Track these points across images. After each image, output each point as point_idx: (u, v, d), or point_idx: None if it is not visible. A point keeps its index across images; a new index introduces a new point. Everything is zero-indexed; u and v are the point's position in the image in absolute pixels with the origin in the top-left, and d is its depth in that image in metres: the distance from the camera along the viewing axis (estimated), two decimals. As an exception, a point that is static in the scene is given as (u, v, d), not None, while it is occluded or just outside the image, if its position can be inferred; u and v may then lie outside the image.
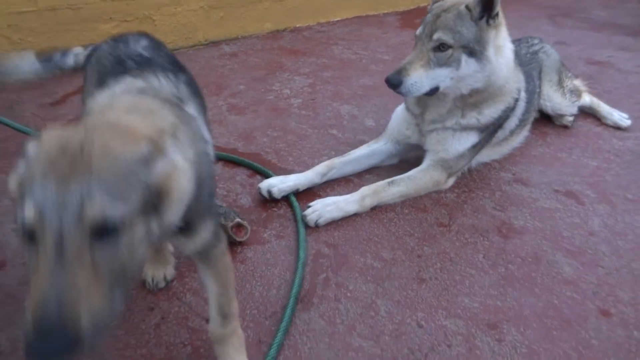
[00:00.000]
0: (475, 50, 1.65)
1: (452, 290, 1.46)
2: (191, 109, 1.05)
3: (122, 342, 1.26)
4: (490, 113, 1.82)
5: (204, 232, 0.96)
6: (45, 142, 0.69)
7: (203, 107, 1.20)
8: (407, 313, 1.37)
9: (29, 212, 0.64)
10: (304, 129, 2.40)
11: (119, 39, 1.28)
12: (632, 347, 1.28)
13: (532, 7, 5.31)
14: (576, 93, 2.44)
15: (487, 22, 1.65)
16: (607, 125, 2.48)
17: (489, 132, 1.88)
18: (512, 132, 2.05)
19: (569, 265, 1.56)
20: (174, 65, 1.20)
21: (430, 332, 1.32)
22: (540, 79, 2.30)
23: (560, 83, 2.37)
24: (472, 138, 1.83)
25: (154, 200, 0.72)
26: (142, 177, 0.69)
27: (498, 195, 1.92)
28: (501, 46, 1.73)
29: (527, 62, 2.18)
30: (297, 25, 4.12)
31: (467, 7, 1.65)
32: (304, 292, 1.43)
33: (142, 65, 1.10)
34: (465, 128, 1.83)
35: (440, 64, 1.67)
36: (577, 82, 2.54)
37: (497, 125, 1.89)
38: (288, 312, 1.32)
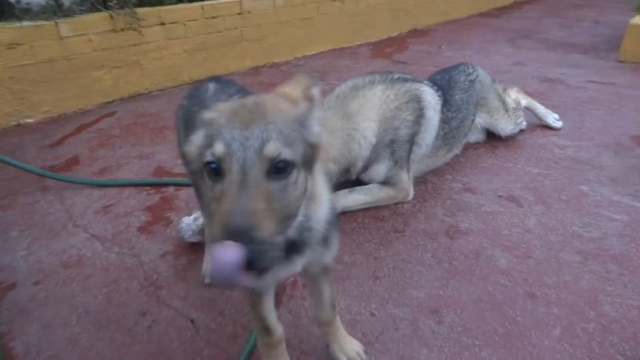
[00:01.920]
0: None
1: (402, 284, 1.70)
2: None
3: (118, 342, 1.49)
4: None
5: (334, 244, 1.14)
6: (224, 106, 0.89)
7: None
8: (362, 305, 1.61)
9: (219, 147, 0.80)
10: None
11: (194, 93, 1.52)
12: (551, 321, 1.52)
13: (494, 31, 5.71)
14: (518, 108, 2.75)
15: None
16: (543, 126, 2.90)
17: (397, 151, 2.09)
18: (436, 149, 2.30)
19: (505, 259, 1.81)
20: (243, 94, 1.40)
21: (381, 319, 1.55)
22: (479, 105, 2.58)
23: (504, 107, 2.65)
24: (386, 163, 2.09)
25: (309, 156, 0.88)
26: (302, 132, 0.87)
27: (449, 203, 2.18)
28: None
29: (465, 89, 2.47)
30: (275, 61, 4.46)
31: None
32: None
33: None
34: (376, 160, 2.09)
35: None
36: (513, 93, 2.84)
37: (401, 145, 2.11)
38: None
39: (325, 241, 1.07)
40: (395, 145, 2.05)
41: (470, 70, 2.64)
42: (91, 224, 2.08)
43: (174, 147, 2.77)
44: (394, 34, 5.57)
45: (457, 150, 2.52)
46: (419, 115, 2.11)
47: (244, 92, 1.44)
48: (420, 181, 2.34)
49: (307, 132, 0.89)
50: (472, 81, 2.56)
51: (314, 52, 4.78)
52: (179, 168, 2.54)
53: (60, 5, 3.33)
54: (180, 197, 2.28)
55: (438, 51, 4.85)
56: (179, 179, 2.38)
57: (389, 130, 2.02)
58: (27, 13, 3.23)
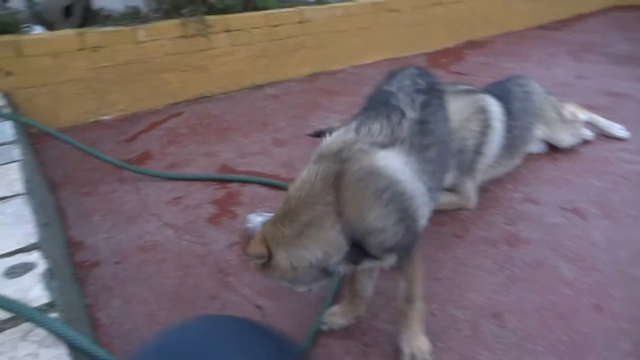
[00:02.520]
0: None
1: (462, 287, 1.71)
2: None
3: (192, 321, 1.60)
4: None
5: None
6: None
7: None
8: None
9: None
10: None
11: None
12: (620, 335, 1.49)
13: (555, 44, 5.57)
14: (576, 120, 2.71)
15: None
16: (607, 137, 2.84)
17: (464, 161, 2.10)
18: (500, 158, 2.29)
19: (569, 270, 1.78)
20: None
21: (442, 319, 1.58)
22: (536, 116, 2.56)
23: (560, 118, 2.63)
24: (452, 172, 2.09)
25: None
26: None
27: (509, 212, 2.17)
28: None
29: (522, 100, 2.46)
30: (332, 69, 4.57)
31: None
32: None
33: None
34: None
35: None
36: (570, 107, 2.79)
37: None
38: (326, 302, 1.62)
39: None
40: (462, 155, 2.07)
41: (523, 81, 2.64)
42: (164, 213, 2.23)
43: (238, 146, 2.93)
44: (450, 45, 5.56)
45: (518, 160, 2.50)
46: (485, 125, 2.13)
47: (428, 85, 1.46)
48: (481, 189, 2.33)
49: None
50: (527, 92, 2.57)
51: (370, 61, 4.86)
52: (243, 166, 2.67)
53: (137, 13, 3.59)
54: (245, 193, 2.39)
55: (496, 62, 4.80)
56: (244, 176, 2.50)
57: (457, 140, 2.05)
58: (108, 19, 3.51)
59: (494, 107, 2.21)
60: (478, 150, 2.12)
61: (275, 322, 1.58)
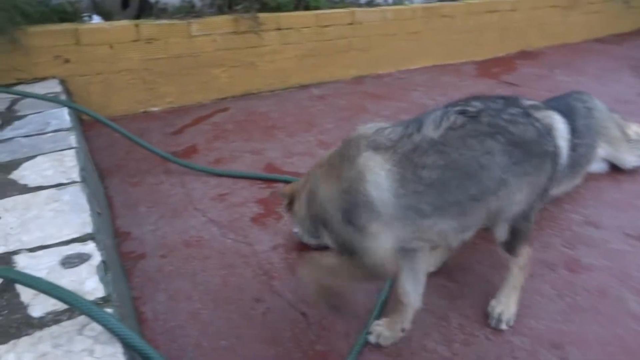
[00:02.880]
0: None
1: (519, 313, 1.61)
2: None
3: (235, 323, 1.56)
4: None
5: None
6: None
7: None
8: (476, 327, 1.55)
9: None
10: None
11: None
12: (696, 380, 1.36)
13: (614, 59, 5.30)
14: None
15: None
16: None
17: None
18: (561, 178, 2.16)
19: (636, 302, 1.65)
20: None
21: (497, 345, 1.48)
22: (599, 134, 2.41)
23: (625, 137, 2.47)
24: None
25: None
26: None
27: (568, 235, 2.05)
28: None
29: (585, 116, 2.32)
30: (379, 72, 4.49)
31: None
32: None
33: None
34: None
35: None
36: (635, 126, 2.61)
37: None
38: (375, 313, 1.57)
39: None
40: None
41: (586, 97, 2.50)
42: (209, 209, 2.22)
43: (284, 146, 2.90)
44: (501, 54, 5.38)
45: (578, 180, 2.36)
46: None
47: None
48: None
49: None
50: (590, 109, 2.42)
51: (417, 67, 4.75)
52: (288, 166, 2.64)
53: (192, 7, 3.62)
54: (290, 194, 2.35)
55: (550, 74, 4.60)
56: (289, 177, 2.47)
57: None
58: (163, 12, 3.55)
59: (560, 125, 2.08)
60: None
61: (319, 331, 1.53)
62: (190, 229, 2.07)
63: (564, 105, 2.35)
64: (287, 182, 2.45)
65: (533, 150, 1.41)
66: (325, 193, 1.34)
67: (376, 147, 1.29)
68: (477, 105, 1.40)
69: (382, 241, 1.29)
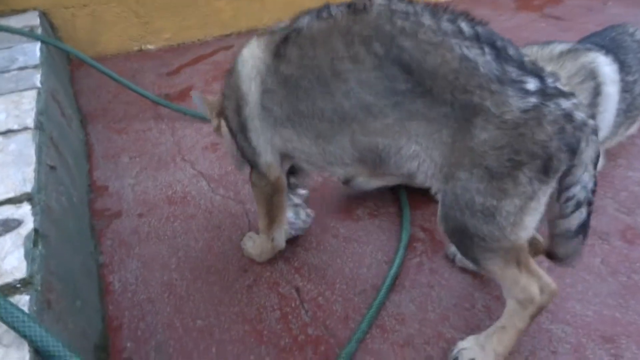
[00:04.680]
0: None
1: (561, 293, 1.30)
2: None
3: (216, 298, 1.32)
4: None
5: None
6: None
7: None
8: (506, 310, 1.27)
9: None
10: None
11: None
12: None
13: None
14: None
15: None
16: None
17: None
18: (616, 127, 1.77)
19: None
20: None
21: (532, 334, 1.20)
22: None
23: None
24: None
25: None
26: None
27: (623, 196, 1.69)
28: None
29: (635, 50, 1.87)
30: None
31: None
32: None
33: None
34: None
35: None
36: None
37: None
38: (383, 291, 1.28)
39: None
40: None
41: (632, 30, 2.03)
42: (199, 160, 1.94)
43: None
44: (545, -16, 4.72)
45: (635, 128, 1.96)
46: (596, 94, 1.62)
47: None
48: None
49: None
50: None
51: (448, -1, 4.20)
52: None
53: None
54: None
55: (601, 7, 3.99)
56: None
57: None
58: None
59: (606, 68, 1.67)
60: None
61: (314, 311, 1.27)
62: (175, 183, 1.80)
63: (609, 41, 1.91)
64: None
65: (457, 100, 0.92)
66: (226, 89, 1.27)
67: (264, 34, 1.21)
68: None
69: (259, 141, 1.20)
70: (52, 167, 1.31)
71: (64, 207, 1.29)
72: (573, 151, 0.92)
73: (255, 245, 1.41)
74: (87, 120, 2.24)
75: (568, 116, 0.91)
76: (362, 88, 0.99)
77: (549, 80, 0.93)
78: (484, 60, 0.90)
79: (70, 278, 1.09)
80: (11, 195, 1.10)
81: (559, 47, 1.66)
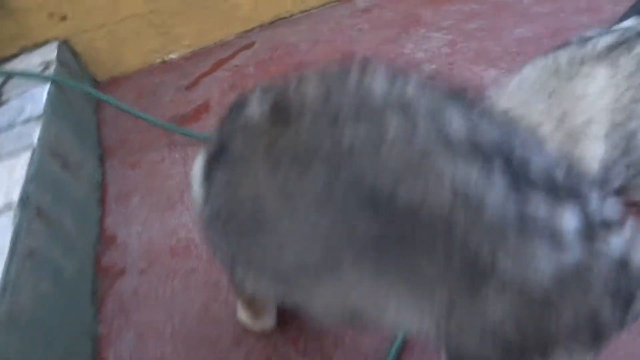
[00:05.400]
0: None
1: None
2: None
3: (206, 378, 1.24)
4: None
5: None
6: None
7: None
8: None
9: None
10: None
11: None
12: None
13: None
14: None
15: None
16: None
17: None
18: None
19: None
20: None
21: None
22: None
23: None
24: None
25: None
26: None
27: None
28: None
29: None
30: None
31: None
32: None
33: None
34: None
35: None
36: None
37: None
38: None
39: None
40: (631, 154, 1.21)
41: None
42: (206, 196, 1.84)
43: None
44: None
45: None
46: None
47: None
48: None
49: None
50: None
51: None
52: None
53: None
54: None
55: None
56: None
57: (620, 140, 1.19)
58: None
59: None
60: None
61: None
62: (180, 228, 1.73)
63: None
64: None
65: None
66: None
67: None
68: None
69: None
70: (32, 253, 1.28)
71: (45, 294, 1.26)
72: (627, 309, 0.61)
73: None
74: (106, 155, 2.24)
75: (623, 264, 0.59)
76: (299, 237, 0.70)
77: (594, 204, 0.61)
78: (492, 193, 0.58)
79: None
80: (-27, 303, 1.07)
81: (602, 42, 1.26)
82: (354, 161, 0.62)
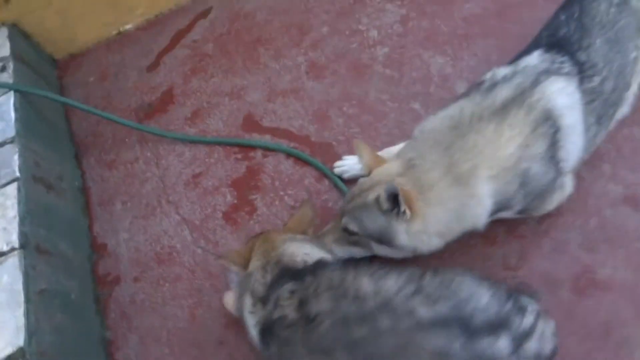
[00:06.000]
0: (383, 240, 1.44)
1: None
2: None
3: (199, 374, 1.61)
4: None
5: None
6: None
7: None
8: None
9: None
10: (383, 101, 2.18)
11: None
12: None
13: None
14: None
15: (398, 214, 1.37)
16: None
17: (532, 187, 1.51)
18: (589, 138, 1.58)
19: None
20: None
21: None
22: None
23: None
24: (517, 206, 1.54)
25: None
26: None
27: (593, 224, 1.64)
28: (419, 232, 1.42)
29: (611, 23, 1.54)
30: None
31: (376, 199, 1.38)
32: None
33: None
34: None
35: (351, 243, 1.53)
36: None
37: None
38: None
39: None
40: (528, 185, 1.47)
41: None
42: (182, 201, 2.07)
43: (267, 78, 2.44)
44: None
45: (627, 108, 1.73)
46: (554, 132, 1.45)
47: None
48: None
49: None
50: (620, 3, 1.57)
51: None
52: (269, 117, 2.27)
53: None
54: (267, 168, 2.08)
55: None
56: (268, 143, 2.15)
57: (514, 178, 1.44)
58: None
59: (562, 98, 1.46)
60: (553, 161, 1.49)
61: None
62: (162, 236, 1.99)
63: (574, 19, 1.58)
64: (265, 148, 2.15)
65: None
66: None
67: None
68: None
69: None
70: (41, 292, 1.54)
71: (59, 323, 1.55)
72: None
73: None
74: (81, 153, 2.38)
75: (538, 356, 1.01)
76: None
77: (518, 324, 1.00)
78: (454, 348, 0.93)
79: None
80: (9, 351, 1.36)
81: (500, 96, 1.46)
82: (363, 347, 0.97)
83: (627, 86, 1.65)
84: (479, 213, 1.46)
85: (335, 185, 1.92)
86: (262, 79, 2.45)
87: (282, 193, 1.98)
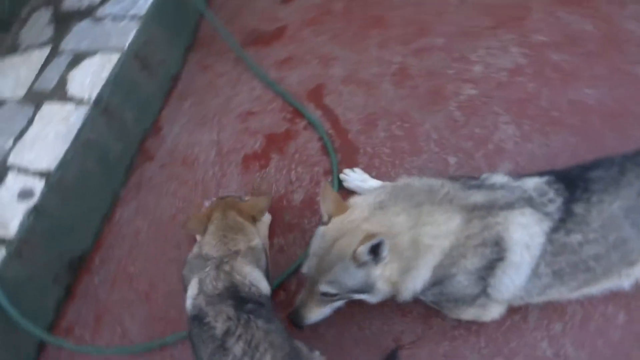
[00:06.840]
0: (364, 290, 1.44)
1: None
2: None
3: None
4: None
5: None
6: None
7: None
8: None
9: None
10: (429, 138, 2.14)
11: None
12: None
13: None
14: None
15: (375, 261, 1.37)
16: None
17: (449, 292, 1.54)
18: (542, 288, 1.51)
19: None
20: None
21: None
22: None
23: None
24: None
25: None
26: None
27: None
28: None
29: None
30: None
31: (353, 256, 1.36)
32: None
33: None
34: None
35: (333, 301, 1.52)
36: None
37: None
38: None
39: None
40: (445, 286, 1.49)
41: None
42: (227, 127, 2.42)
43: (357, 61, 2.49)
44: None
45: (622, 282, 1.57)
46: (495, 259, 1.42)
47: None
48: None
49: None
50: None
51: None
52: (331, 97, 2.40)
53: None
54: (300, 141, 2.28)
55: None
56: (312, 118, 2.32)
57: (438, 273, 1.47)
58: None
59: (518, 234, 1.42)
60: (482, 283, 1.48)
61: None
62: (197, 144, 2.39)
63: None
64: (309, 122, 2.34)
65: None
66: None
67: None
68: None
69: None
70: (88, 141, 2.06)
71: (89, 170, 2.08)
72: None
73: None
74: (194, 47, 2.80)
75: None
76: None
77: None
78: None
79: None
80: (43, 167, 1.92)
81: (475, 197, 1.45)
82: None
83: (627, 262, 1.49)
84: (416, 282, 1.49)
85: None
86: (354, 59, 2.54)
87: (293, 166, 2.21)
